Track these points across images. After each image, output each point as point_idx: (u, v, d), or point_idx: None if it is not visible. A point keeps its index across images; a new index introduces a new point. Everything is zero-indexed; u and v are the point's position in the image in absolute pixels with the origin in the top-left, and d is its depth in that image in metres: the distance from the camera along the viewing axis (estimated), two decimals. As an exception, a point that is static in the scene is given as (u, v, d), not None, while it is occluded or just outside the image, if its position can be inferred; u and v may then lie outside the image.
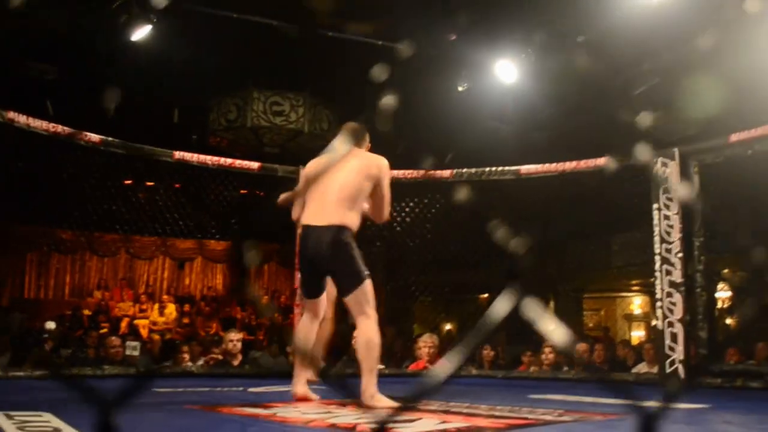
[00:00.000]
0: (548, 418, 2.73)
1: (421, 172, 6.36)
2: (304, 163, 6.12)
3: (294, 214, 3.65)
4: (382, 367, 6.21)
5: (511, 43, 7.53)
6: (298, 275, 5.97)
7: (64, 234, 10.74)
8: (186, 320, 10.82)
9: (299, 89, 9.11)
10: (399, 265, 8.00)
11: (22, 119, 4.94)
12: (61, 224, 9.08)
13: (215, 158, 5.97)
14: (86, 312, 10.52)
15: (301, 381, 3.45)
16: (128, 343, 6.75)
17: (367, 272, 3.24)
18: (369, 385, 3.13)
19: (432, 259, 7.69)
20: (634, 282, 12.16)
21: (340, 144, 3.64)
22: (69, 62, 7.74)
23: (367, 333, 3.16)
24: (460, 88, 8.09)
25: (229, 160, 5.96)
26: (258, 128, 8.96)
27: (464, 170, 6.31)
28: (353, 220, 3.29)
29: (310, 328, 3.47)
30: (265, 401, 3.39)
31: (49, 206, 7.55)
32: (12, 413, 2.44)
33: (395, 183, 6.30)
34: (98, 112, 7.61)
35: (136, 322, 10.62)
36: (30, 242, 10.46)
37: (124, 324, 10.59)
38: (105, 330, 9.45)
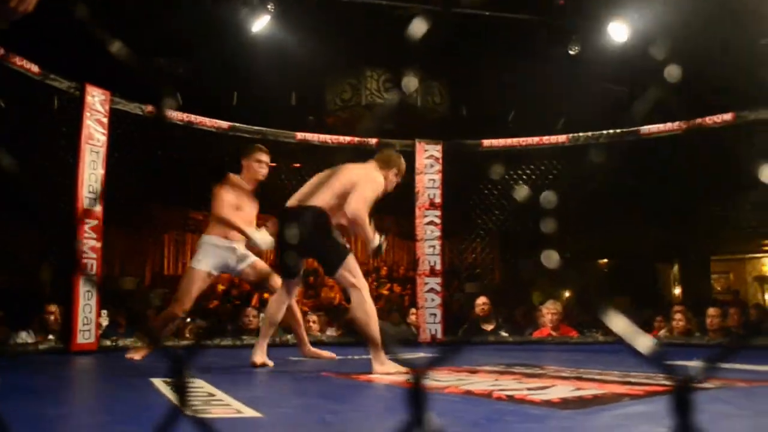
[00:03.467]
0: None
1: (536, 139, 6.21)
2: (420, 136, 6.21)
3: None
4: (506, 335, 6.21)
5: (622, 1, 7.13)
6: (418, 246, 6.16)
7: (197, 215, 11.30)
8: (311, 292, 11.11)
9: (410, 65, 8.91)
10: (516, 235, 7.82)
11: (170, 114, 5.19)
12: (196, 206, 9.53)
13: (334, 137, 6.08)
14: (220, 287, 11.05)
15: (262, 350, 3.62)
16: (263, 315, 7.02)
17: (347, 247, 3.36)
18: (373, 352, 3.21)
19: (548, 223, 7.48)
20: (767, 242, 11.34)
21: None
22: (195, 56, 8.07)
23: (362, 304, 3.22)
24: (571, 52, 7.75)
25: (347, 138, 6.05)
26: (372, 106, 8.94)
27: (580, 134, 6.07)
28: (330, 207, 3.36)
29: (282, 303, 3.63)
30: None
31: (184, 189, 7.95)
32: (168, 380, 2.60)
33: (511, 151, 6.35)
34: (224, 101, 7.93)
35: (265, 295, 11.05)
36: (167, 223, 11.04)
37: (254, 298, 11.04)
38: (237, 303, 9.86)
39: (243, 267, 4.18)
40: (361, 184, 3.36)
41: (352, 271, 3.28)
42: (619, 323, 0.62)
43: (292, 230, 3.34)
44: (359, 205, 3.30)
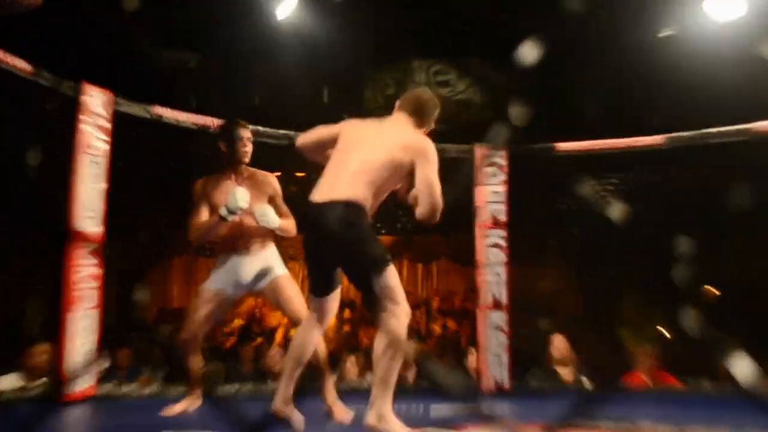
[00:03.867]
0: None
1: (623, 140, 6.09)
2: (478, 140, 6.15)
3: None
4: (587, 382, 6.07)
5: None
6: (478, 273, 6.07)
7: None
8: (346, 328, 11.05)
9: (465, 54, 9.04)
10: (599, 253, 7.71)
11: (169, 114, 5.29)
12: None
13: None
14: (238, 322, 11.05)
15: (285, 396, 3.33)
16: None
17: (387, 256, 3.10)
18: (378, 398, 3.00)
19: (641, 246, 7.48)
20: None
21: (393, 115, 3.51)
22: (209, 48, 8.19)
23: (390, 334, 2.99)
24: (662, 35, 7.64)
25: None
26: None
27: (680, 134, 5.94)
28: (367, 199, 3.13)
29: (310, 333, 3.36)
30: (455, 424, 3.37)
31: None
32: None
33: (591, 155, 6.24)
34: (243, 100, 8.02)
35: (292, 332, 11.03)
36: (177, 244, 11.11)
37: (279, 334, 11.01)
38: (260, 341, 9.88)
39: (263, 285, 4.12)
40: (425, 175, 3.16)
41: (393, 286, 3.04)
42: (743, 368, 0.60)
43: (323, 231, 3.06)
44: (434, 206, 3.13)
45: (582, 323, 9.71)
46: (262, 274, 4.08)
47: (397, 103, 3.57)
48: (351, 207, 3.06)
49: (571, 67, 8.00)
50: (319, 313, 3.35)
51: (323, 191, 3.16)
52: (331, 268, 3.24)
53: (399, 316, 3.03)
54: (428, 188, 3.13)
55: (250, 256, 4.09)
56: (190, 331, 4.01)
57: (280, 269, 4.14)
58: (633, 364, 6.15)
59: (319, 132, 3.54)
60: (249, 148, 4.14)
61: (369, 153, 3.20)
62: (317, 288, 3.31)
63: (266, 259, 4.11)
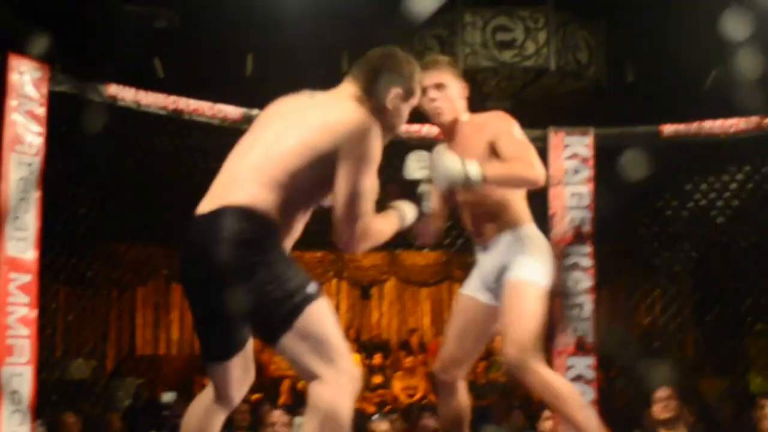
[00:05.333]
0: None
1: (752, 120, 5.95)
2: (555, 123, 6.04)
3: None
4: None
5: None
6: (554, 305, 5.96)
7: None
8: (378, 379, 10.97)
9: (536, 2, 8.97)
10: (720, 275, 7.64)
11: (128, 95, 5.22)
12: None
13: (411, 127, 5.92)
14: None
15: None
16: (297, 419, 6.87)
17: (310, 288, 2.66)
18: None
19: None
20: None
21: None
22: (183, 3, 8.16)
23: (320, 412, 2.59)
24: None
25: (431, 129, 5.87)
26: (476, 71, 8.90)
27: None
28: (272, 205, 2.72)
29: (206, 414, 3.03)
30: None
31: (166, 218, 7.95)
32: None
33: (709, 141, 6.12)
34: (229, 71, 7.94)
35: (300, 384, 10.94)
36: (141, 270, 11.06)
37: (284, 387, 10.95)
38: (257, 397, 9.80)
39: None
40: (345, 158, 2.76)
41: (320, 335, 2.64)
42: None
43: (204, 255, 2.71)
44: (358, 227, 2.78)
45: (697, 368, 9.59)
46: (500, 275, 3.83)
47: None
48: (246, 216, 2.69)
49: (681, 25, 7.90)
50: (220, 385, 3.00)
51: (208, 198, 2.83)
52: (229, 312, 2.76)
53: (334, 382, 2.62)
54: (345, 196, 2.77)
55: (486, 248, 3.92)
56: (443, 362, 3.88)
57: (517, 271, 3.77)
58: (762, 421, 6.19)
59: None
60: (438, 101, 3.87)
61: (276, 138, 2.85)
62: (213, 348, 2.96)
63: (502, 252, 3.84)
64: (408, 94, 3.05)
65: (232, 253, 2.64)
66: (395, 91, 3.00)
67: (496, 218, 3.87)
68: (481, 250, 3.97)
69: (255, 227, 2.68)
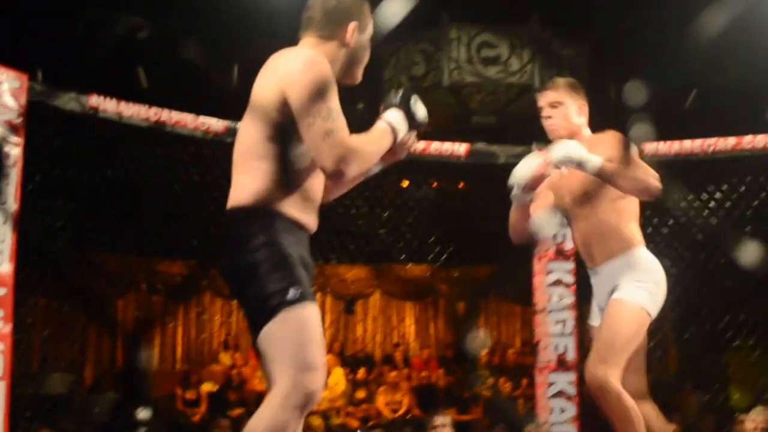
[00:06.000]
0: None
1: (730, 140, 5.98)
2: (539, 140, 6.04)
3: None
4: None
5: None
6: (537, 321, 5.97)
7: (173, 267, 11.25)
8: (361, 393, 10.93)
9: (521, 19, 8.99)
10: (699, 289, 7.70)
11: (110, 106, 5.19)
12: (170, 254, 9.48)
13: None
14: (208, 387, 10.91)
15: None
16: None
17: (291, 293, 2.55)
18: None
19: (755, 279, 7.53)
20: None
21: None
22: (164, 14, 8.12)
23: (254, 420, 2.49)
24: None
25: (420, 144, 5.84)
26: (461, 86, 8.99)
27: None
28: (265, 194, 2.66)
29: None
30: None
31: (150, 227, 7.90)
32: None
33: (689, 160, 6.14)
34: (214, 83, 7.91)
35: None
36: (121, 282, 11.00)
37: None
38: (239, 413, 9.74)
39: None
40: (297, 97, 2.61)
41: (290, 344, 2.53)
42: None
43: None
44: (329, 138, 2.56)
45: (677, 383, 9.61)
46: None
47: None
48: (237, 217, 2.69)
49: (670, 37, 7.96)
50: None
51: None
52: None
53: (281, 398, 2.50)
54: (307, 123, 2.61)
55: (597, 272, 3.98)
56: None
57: (622, 291, 3.80)
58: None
59: None
60: (553, 119, 4.04)
61: (243, 123, 2.82)
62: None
63: (614, 275, 3.86)
64: (364, 25, 2.93)
65: (224, 260, 2.72)
66: (352, 25, 2.88)
67: (608, 242, 3.93)
68: (593, 274, 4.01)
69: (244, 226, 2.65)
